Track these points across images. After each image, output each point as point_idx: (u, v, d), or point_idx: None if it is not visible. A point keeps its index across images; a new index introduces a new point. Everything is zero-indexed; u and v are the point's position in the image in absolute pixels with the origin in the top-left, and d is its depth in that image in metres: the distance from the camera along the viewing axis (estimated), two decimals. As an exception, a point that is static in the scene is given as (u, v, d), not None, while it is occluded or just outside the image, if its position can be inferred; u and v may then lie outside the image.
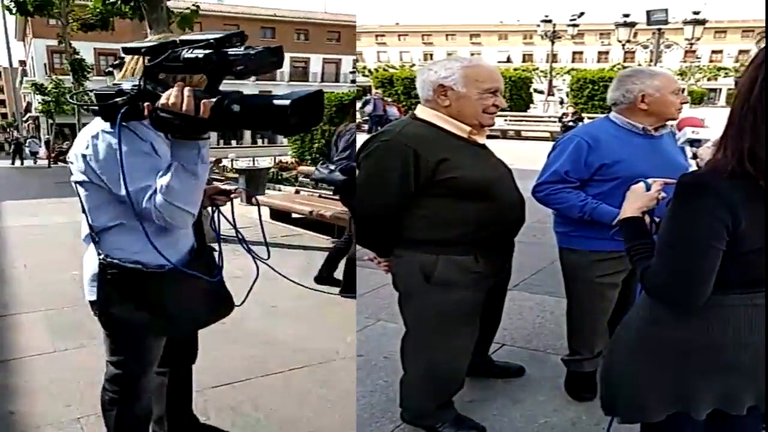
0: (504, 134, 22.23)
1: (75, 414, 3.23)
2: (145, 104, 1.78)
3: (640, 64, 25.34)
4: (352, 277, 5.17)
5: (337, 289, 5.34)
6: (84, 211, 2.11)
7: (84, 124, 2.28)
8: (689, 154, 2.65)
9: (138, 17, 7.66)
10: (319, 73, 47.80)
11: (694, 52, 45.33)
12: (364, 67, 49.06)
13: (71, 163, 2.08)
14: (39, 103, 36.46)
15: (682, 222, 1.58)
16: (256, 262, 2.43)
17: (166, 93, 1.75)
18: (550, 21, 28.46)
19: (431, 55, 60.88)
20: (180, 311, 2.21)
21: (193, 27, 8.88)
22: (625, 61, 41.04)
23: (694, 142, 2.52)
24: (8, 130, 56.75)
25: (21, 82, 50.22)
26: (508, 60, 62.81)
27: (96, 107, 1.89)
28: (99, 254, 2.09)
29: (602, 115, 3.22)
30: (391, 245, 2.70)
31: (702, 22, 21.36)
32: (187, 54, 1.69)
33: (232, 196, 2.52)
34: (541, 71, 47.51)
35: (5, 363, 3.97)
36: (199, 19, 8.82)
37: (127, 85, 1.83)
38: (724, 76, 58.74)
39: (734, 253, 1.55)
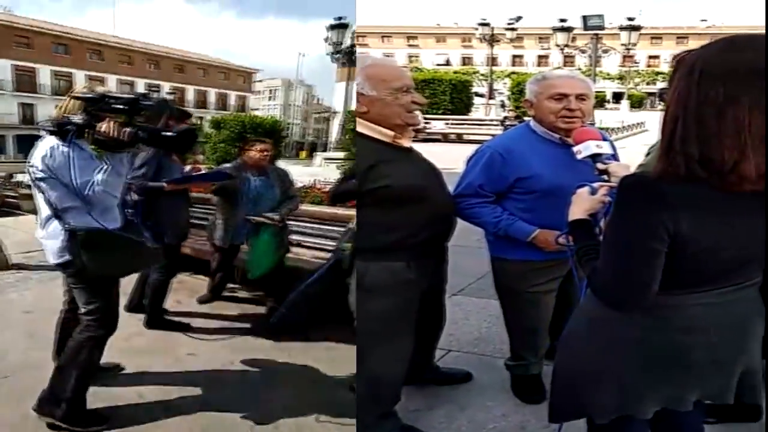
0: (445, 137, 22.42)
1: None
2: (86, 130, 2.74)
3: (579, 69, 25.89)
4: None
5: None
6: (47, 202, 2.84)
7: None
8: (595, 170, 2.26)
9: None
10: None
11: (632, 57, 46.66)
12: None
13: (32, 166, 2.82)
14: None
15: (622, 224, 1.58)
16: None
17: (100, 124, 2.71)
18: (488, 24, 28.91)
19: (366, 58, 60.60)
20: (121, 259, 3.03)
21: None
22: (564, 65, 41.70)
23: (597, 157, 2.23)
24: None
25: None
26: (447, 63, 63.34)
27: (53, 129, 2.79)
28: (65, 225, 2.83)
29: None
30: None
31: (637, 28, 22.00)
32: (117, 105, 2.74)
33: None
34: (482, 75, 48.20)
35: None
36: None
37: (76, 118, 2.76)
38: (662, 81, 60.57)
39: (682, 255, 1.54)
